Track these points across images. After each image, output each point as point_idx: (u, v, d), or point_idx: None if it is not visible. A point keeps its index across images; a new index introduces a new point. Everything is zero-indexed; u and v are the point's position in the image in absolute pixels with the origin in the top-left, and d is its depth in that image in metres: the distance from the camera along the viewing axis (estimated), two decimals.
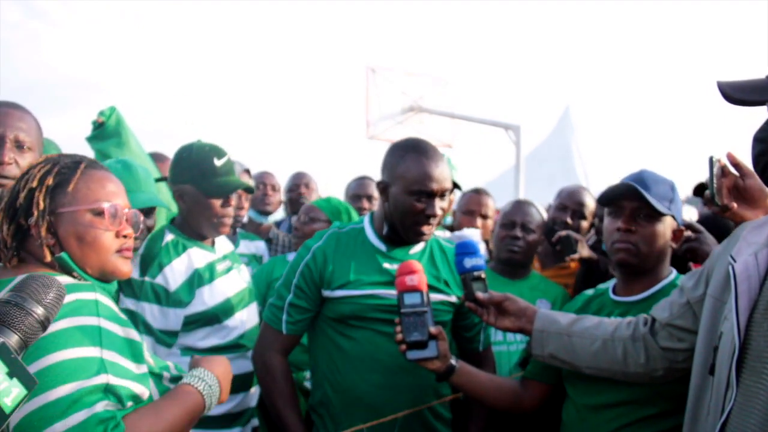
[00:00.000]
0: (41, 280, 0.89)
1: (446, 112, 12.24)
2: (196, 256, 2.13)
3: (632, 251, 1.63)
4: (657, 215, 1.61)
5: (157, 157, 3.54)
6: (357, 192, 3.45)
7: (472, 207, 3.04)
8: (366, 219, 1.97)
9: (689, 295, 1.41)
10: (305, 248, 1.91)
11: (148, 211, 2.03)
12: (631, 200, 1.61)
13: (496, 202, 3.72)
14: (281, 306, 1.88)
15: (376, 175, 3.84)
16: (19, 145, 1.65)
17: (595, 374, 1.57)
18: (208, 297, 2.08)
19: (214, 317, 2.08)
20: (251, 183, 3.11)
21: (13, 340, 0.78)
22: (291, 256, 2.82)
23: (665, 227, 1.63)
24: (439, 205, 1.80)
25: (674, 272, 1.70)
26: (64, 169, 1.25)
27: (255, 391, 2.25)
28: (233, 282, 2.20)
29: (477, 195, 3.09)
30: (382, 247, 1.89)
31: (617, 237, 1.64)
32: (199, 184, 2.10)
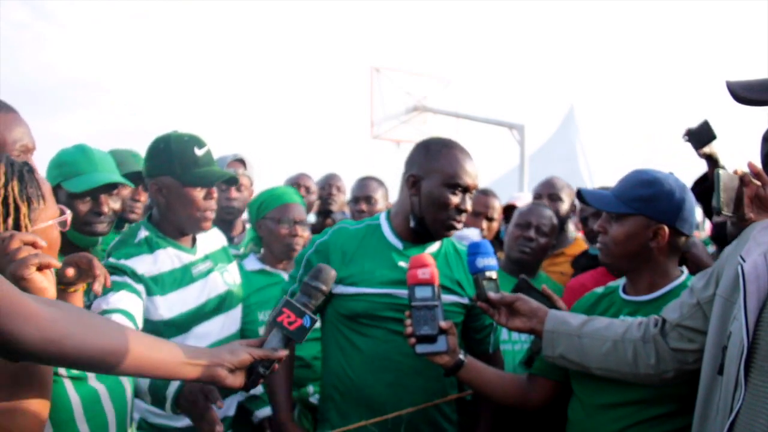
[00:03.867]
0: (323, 268, 1.43)
1: (450, 111, 12.25)
2: (166, 259, 1.98)
3: (604, 251, 1.69)
4: (622, 216, 1.63)
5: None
6: (356, 194, 3.40)
7: (478, 208, 3.03)
8: (383, 215, 1.95)
9: (699, 295, 1.41)
10: (311, 243, 1.93)
11: (111, 192, 1.95)
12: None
13: (512, 197, 3.75)
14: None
15: (380, 174, 3.78)
16: None
17: (605, 375, 1.57)
18: (165, 308, 1.91)
19: (171, 329, 1.91)
20: (248, 172, 2.96)
21: (312, 303, 1.37)
22: None
23: (634, 227, 1.62)
24: (469, 201, 1.85)
25: (686, 273, 1.69)
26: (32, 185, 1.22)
27: (231, 399, 2.15)
28: (209, 287, 2.05)
29: (484, 196, 3.08)
30: (398, 244, 1.88)
31: (599, 238, 1.72)
32: (180, 175, 1.95)
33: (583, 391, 1.68)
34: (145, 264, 1.91)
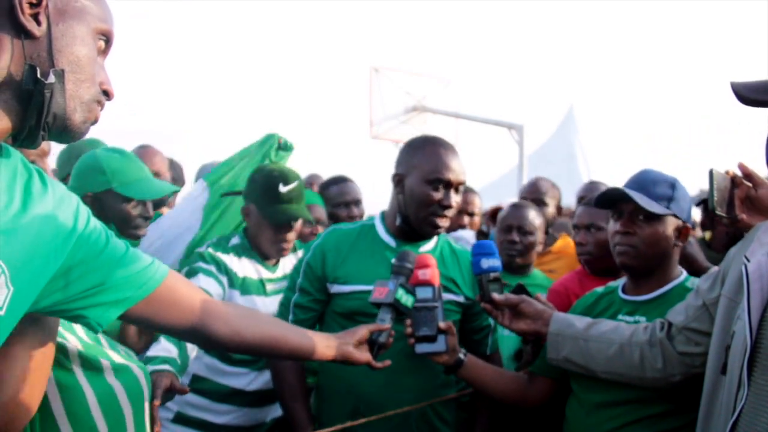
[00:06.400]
0: (407, 252, 1.68)
1: (449, 111, 12.24)
2: (249, 267, 2.14)
3: (631, 253, 1.62)
4: (656, 216, 1.58)
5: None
6: (343, 199, 2.97)
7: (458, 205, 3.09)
8: (377, 216, 1.96)
9: (705, 297, 1.41)
10: (307, 248, 1.94)
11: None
12: (627, 202, 1.60)
13: (499, 202, 3.77)
14: (287, 305, 1.91)
15: (379, 175, 3.66)
16: None
17: (611, 379, 1.56)
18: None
19: None
20: None
21: (400, 280, 1.61)
22: None
23: (666, 227, 1.60)
24: (454, 197, 1.80)
25: (684, 273, 1.70)
26: None
27: (270, 408, 2.19)
28: (274, 306, 2.12)
29: (463, 193, 3.15)
30: (392, 243, 1.88)
31: (618, 240, 1.63)
32: (262, 207, 2.12)
33: (581, 390, 1.68)
34: (234, 263, 2.12)
